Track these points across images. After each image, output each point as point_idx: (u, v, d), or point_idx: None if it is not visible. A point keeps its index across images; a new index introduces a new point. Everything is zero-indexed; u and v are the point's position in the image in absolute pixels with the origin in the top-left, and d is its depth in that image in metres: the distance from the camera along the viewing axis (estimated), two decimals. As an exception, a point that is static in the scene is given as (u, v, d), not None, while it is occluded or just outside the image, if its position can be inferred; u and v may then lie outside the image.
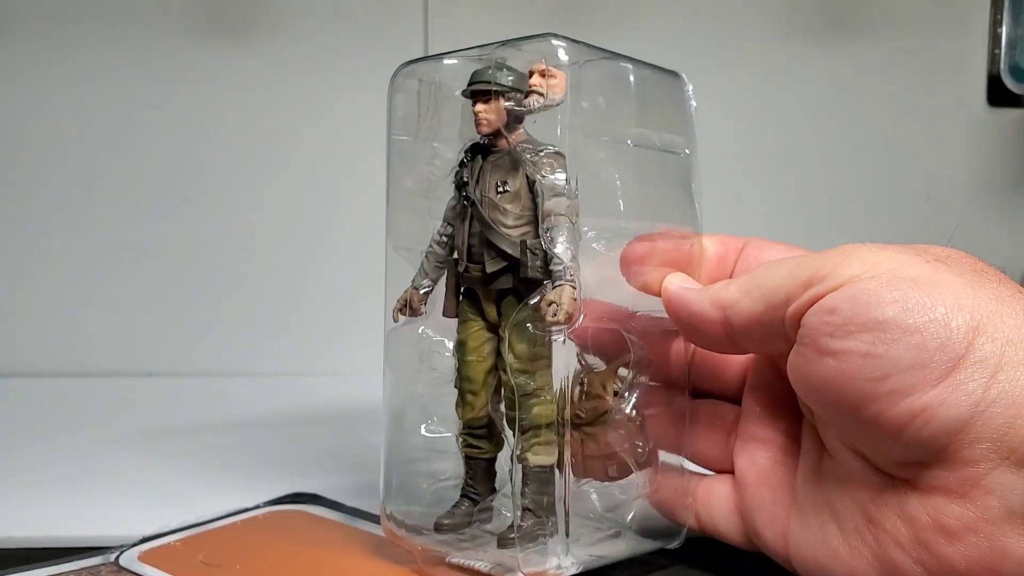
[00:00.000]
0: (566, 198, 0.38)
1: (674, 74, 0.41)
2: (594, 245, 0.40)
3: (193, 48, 0.85)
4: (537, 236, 0.38)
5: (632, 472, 0.40)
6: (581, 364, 0.41)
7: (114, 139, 0.86)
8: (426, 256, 0.42)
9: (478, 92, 0.39)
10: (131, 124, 0.86)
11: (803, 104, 0.80)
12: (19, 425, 0.69)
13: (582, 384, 0.40)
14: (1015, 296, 0.32)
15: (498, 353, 0.40)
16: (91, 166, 0.86)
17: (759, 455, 0.40)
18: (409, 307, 0.42)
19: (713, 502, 0.41)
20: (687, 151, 0.41)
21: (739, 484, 0.40)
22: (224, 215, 0.86)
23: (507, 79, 0.38)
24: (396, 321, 0.42)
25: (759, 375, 0.41)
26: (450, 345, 0.41)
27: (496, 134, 0.39)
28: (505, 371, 0.39)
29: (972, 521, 0.31)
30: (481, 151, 0.40)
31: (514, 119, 0.39)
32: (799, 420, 0.39)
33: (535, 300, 0.37)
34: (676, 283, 0.40)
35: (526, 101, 0.38)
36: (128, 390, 0.81)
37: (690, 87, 0.41)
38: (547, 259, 0.38)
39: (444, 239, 0.41)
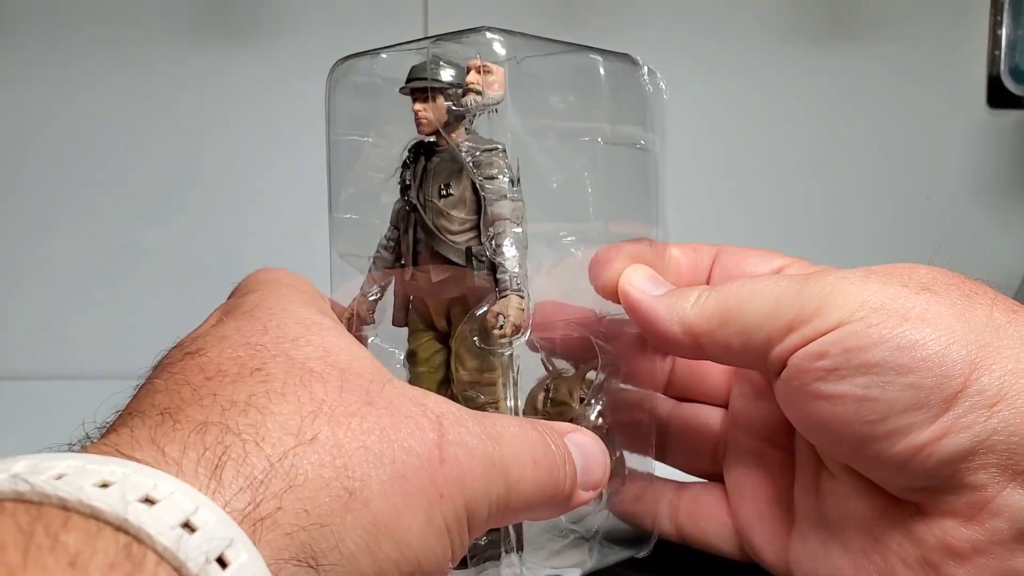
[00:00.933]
0: (510, 201, 0.36)
1: (628, 58, 0.39)
2: (572, 250, 0.38)
3: (191, 51, 0.84)
4: (481, 241, 0.36)
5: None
6: (549, 369, 0.39)
7: (112, 141, 0.85)
8: (374, 262, 0.40)
9: (416, 90, 0.36)
10: (129, 127, 0.85)
11: (803, 106, 0.79)
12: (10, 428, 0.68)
13: (547, 390, 0.39)
14: (1012, 321, 0.31)
15: (449, 365, 0.38)
16: (89, 169, 0.85)
17: (752, 468, 0.38)
18: (357, 316, 0.40)
19: (701, 512, 0.40)
20: (643, 141, 0.39)
21: (733, 497, 0.39)
22: (222, 219, 0.85)
23: (446, 75, 0.36)
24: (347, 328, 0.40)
25: (746, 384, 0.39)
26: (401, 356, 0.39)
27: (439, 132, 0.37)
28: (455, 382, 0.37)
29: (981, 543, 0.30)
30: (424, 151, 0.38)
31: (455, 117, 0.37)
32: (792, 432, 0.37)
33: (481, 311, 0.35)
34: (637, 285, 0.37)
35: (463, 100, 0.35)
36: (124, 395, 0.80)
37: (645, 70, 0.38)
38: (494, 266, 0.36)
39: (391, 243, 0.39)
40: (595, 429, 0.38)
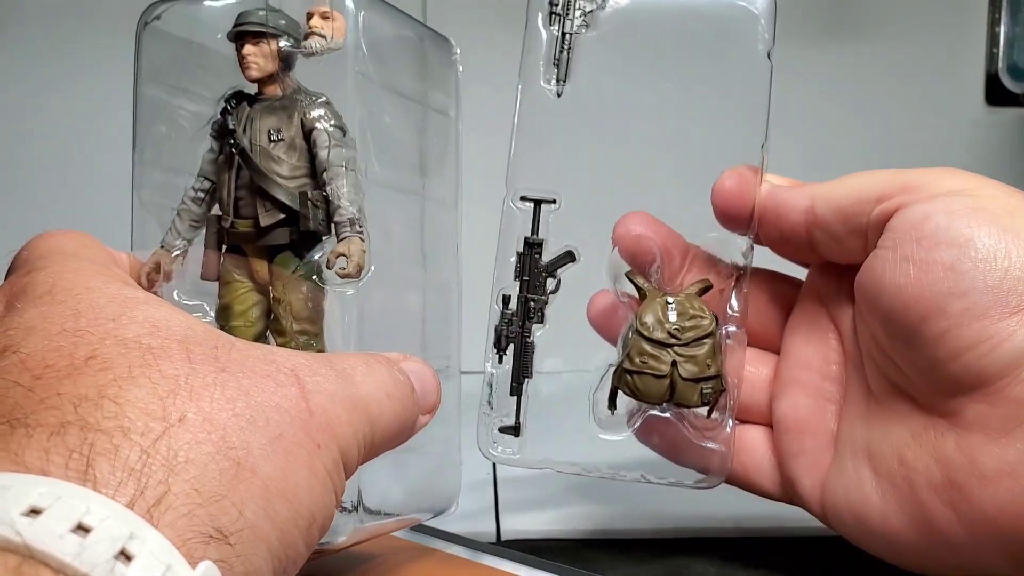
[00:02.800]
0: (342, 148, 0.36)
1: (444, 38, 0.41)
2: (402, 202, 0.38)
3: None
4: (316, 188, 0.36)
5: (723, 393, 0.37)
6: (639, 285, 0.38)
7: None
8: (178, 214, 0.38)
9: (247, 33, 0.36)
10: None
11: (800, 103, 0.76)
12: None
13: (666, 305, 0.37)
14: None
15: (269, 316, 0.37)
16: None
17: (800, 400, 0.38)
18: (157, 271, 0.38)
19: (745, 449, 0.39)
20: (452, 113, 0.41)
21: (779, 431, 0.38)
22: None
23: (279, 21, 0.36)
24: (144, 287, 0.37)
25: (805, 312, 0.39)
26: (210, 310, 0.38)
27: (266, 80, 0.37)
28: (281, 334, 0.36)
29: (1009, 464, 0.30)
30: (246, 98, 0.37)
31: (285, 64, 0.37)
32: (843, 363, 0.38)
33: (319, 255, 0.35)
34: (775, 182, 0.38)
35: (306, 43, 0.36)
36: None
37: (458, 51, 0.41)
38: (329, 211, 0.36)
39: (201, 194, 0.38)
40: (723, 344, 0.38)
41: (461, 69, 0.41)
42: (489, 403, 0.38)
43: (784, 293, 0.41)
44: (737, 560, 0.40)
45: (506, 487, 0.47)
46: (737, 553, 0.41)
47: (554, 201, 0.38)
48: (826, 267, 0.38)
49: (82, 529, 0.20)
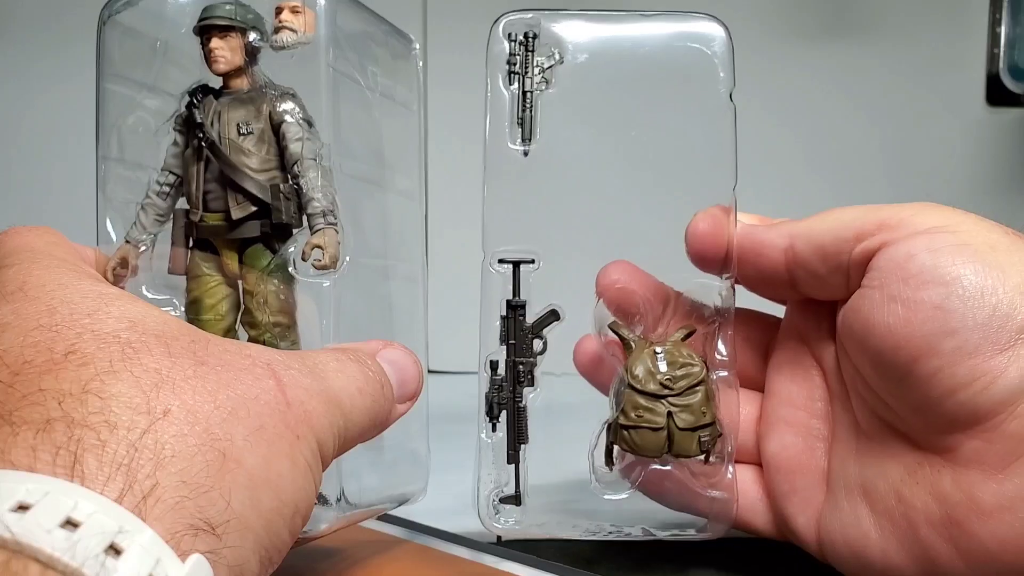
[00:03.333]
0: (309, 141, 0.37)
1: (405, 35, 0.42)
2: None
3: None
4: (287, 180, 0.36)
5: (720, 437, 0.37)
6: (624, 336, 0.37)
7: None
8: (143, 208, 0.37)
9: (214, 27, 0.36)
10: None
11: (800, 104, 0.77)
12: None
13: (655, 355, 0.37)
14: None
15: (239, 309, 0.37)
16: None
17: (788, 439, 0.38)
18: (122, 266, 0.37)
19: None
20: (415, 107, 0.42)
21: (769, 471, 0.38)
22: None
23: (246, 15, 0.36)
24: (110, 281, 0.36)
25: (786, 350, 0.39)
26: (179, 304, 0.37)
27: (232, 73, 0.37)
28: (254, 326, 0.36)
29: (1008, 498, 0.30)
30: (211, 92, 0.37)
31: (251, 58, 0.37)
32: (829, 399, 0.38)
33: (291, 249, 0.36)
34: (747, 221, 0.38)
35: (276, 37, 0.36)
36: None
37: (417, 47, 0.42)
38: (300, 203, 0.36)
39: (166, 189, 0.37)
40: (715, 390, 0.37)
41: (420, 64, 0.42)
42: (482, 472, 0.38)
43: (764, 331, 0.40)
44: (737, 562, 0.40)
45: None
46: (737, 555, 0.41)
47: (533, 261, 0.38)
48: (804, 304, 0.38)
49: (71, 524, 0.20)
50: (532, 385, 0.38)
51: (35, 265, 0.29)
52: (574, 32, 0.38)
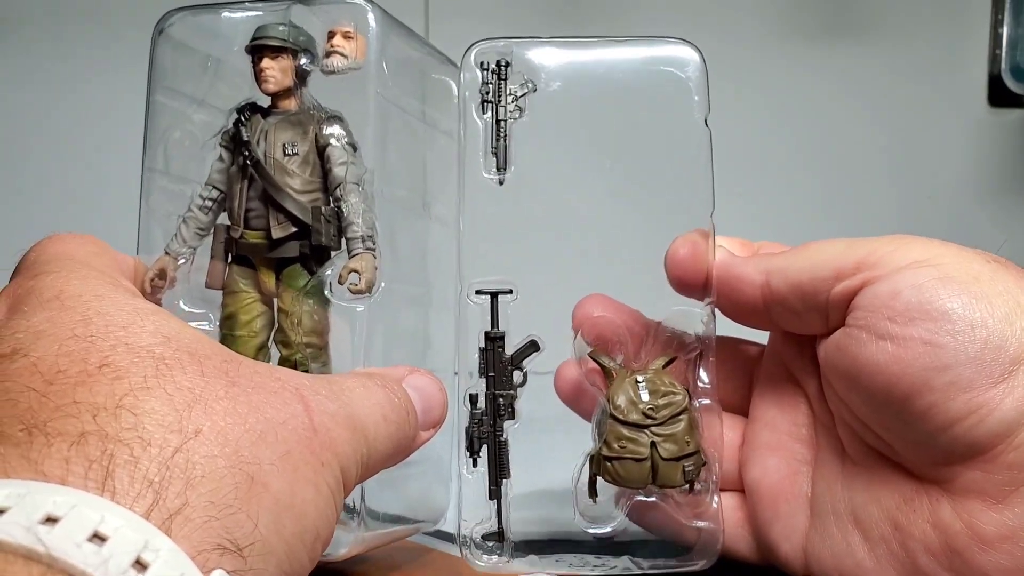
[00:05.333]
0: (353, 165, 0.37)
1: (451, 61, 0.42)
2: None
3: None
4: (328, 203, 0.37)
5: (704, 467, 0.36)
6: (604, 365, 0.37)
7: None
8: (184, 221, 0.38)
9: (266, 47, 0.36)
10: None
11: (803, 104, 0.77)
12: None
13: (637, 384, 0.36)
14: None
15: (272, 327, 0.38)
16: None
17: (771, 464, 0.37)
18: (161, 277, 0.38)
19: None
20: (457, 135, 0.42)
21: (751, 497, 0.38)
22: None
23: (299, 37, 0.37)
24: (147, 292, 0.37)
25: (770, 376, 0.39)
26: (214, 318, 0.38)
27: (281, 94, 0.37)
28: (287, 345, 0.37)
29: (1009, 528, 0.29)
30: (259, 111, 0.37)
31: (301, 80, 0.37)
32: (813, 424, 0.37)
33: (328, 272, 0.36)
34: (727, 248, 0.38)
35: (328, 61, 0.36)
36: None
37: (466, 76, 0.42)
38: (340, 227, 0.36)
39: (209, 203, 0.38)
40: (699, 418, 0.37)
41: (468, 94, 0.42)
42: (464, 509, 0.37)
43: (748, 358, 0.40)
44: (737, 561, 0.39)
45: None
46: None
47: (510, 291, 0.37)
48: (786, 333, 0.38)
49: (98, 538, 0.20)
50: (512, 418, 0.37)
51: (73, 274, 0.29)
52: (547, 59, 0.37)
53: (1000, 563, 0.30)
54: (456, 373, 0.37)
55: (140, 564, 0.21)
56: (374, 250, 0.36)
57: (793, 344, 0.37)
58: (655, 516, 0.37)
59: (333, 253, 0.37)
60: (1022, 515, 0.29)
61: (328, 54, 0.36)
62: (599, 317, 0.37)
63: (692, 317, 0.37)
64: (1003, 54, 0.74)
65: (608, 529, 0.37)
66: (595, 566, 0.37)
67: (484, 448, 0.37)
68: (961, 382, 0.30)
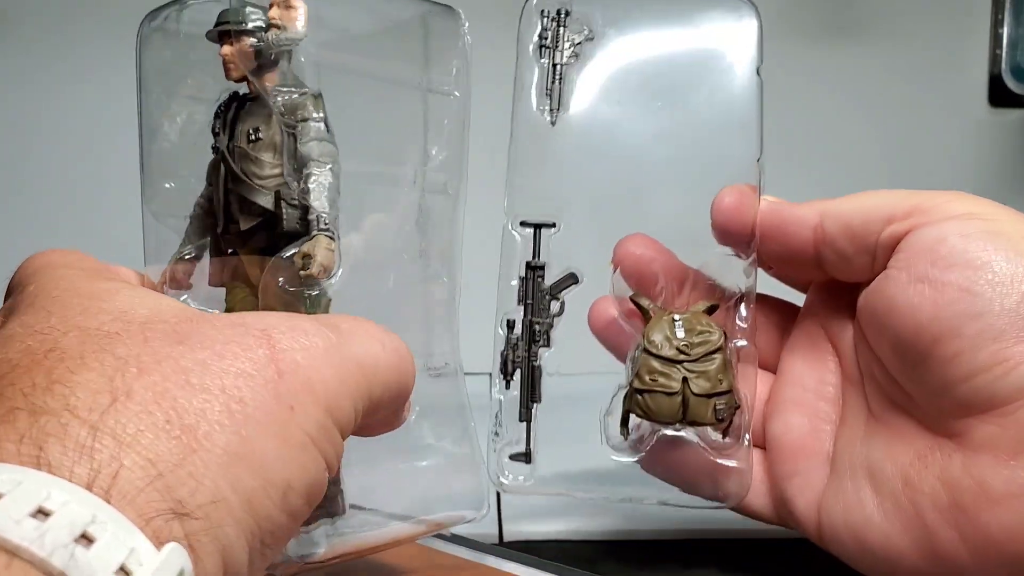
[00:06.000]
0: (319, 142, 0.34)
1: (450, 10, 0.38)
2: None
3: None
4: (296, 183, 0.35)
5: (737, 410, 0.37)
6: (643, 306, 0.38)
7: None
8: (190, 221, 0.38)
9: (223, 34, 0.35)
10: None
11: (802, 104, 0.77)
12: None
13: (673, 323, 0.37)
14: None
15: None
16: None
17: (794, 420, 0.38)
18: (172, 279, 0.38)
19: None
20: (458, 93, 0.38)
21: (772, 452, 0.38)
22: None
23: (253, 18, 0.35)
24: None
25: (803, 334, 0.39)
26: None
27: (248, 78, 0.36)
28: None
29: (1018, 485, 0.30)
30: (237, 100, 0.37)
31: (266, 61, 0.35)
32: (840, 384, 0.38)
33: (288, 255, 0.34)
34: (775, 201, 0.38)
35: (266, 36, 0.34)
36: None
37: (466, 24, 0.38)
38: (306, 209, 0.34)
39: (207, 201, 0.38)
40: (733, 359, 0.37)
41: (470, 40, 0.38)
42: (496, 431, 0.38)
43: (783, 315, 0.41)
44: (738, 562, 0.40)
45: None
46: (738, 555, 0.41)
47: (554, 225, 0.38)
48: (825, 288, 0.38)
49: (42, 513, 0.20)
50: (548, 345, 0.38)
51: (50, 278, 0.30)
52: (604, 7, 0.39)
53: (1004, 521, 0.30)
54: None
55: (87, 538, 0.20)
56: (328, 231, 0.33)
57: (832, 299, 0.38)
58: (683, 453, 0.37)
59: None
60: None
61: (267, 28, 0.34)
62: (640, 255, 0.38)
63: (733, 265, 0.38)
64: (1003, 54, 0.74)
65: (634, 459, 0.37)
66: (620, 498, 0.38)
67: (517, 373, 0.38)
68: (991, 332, 0.30)
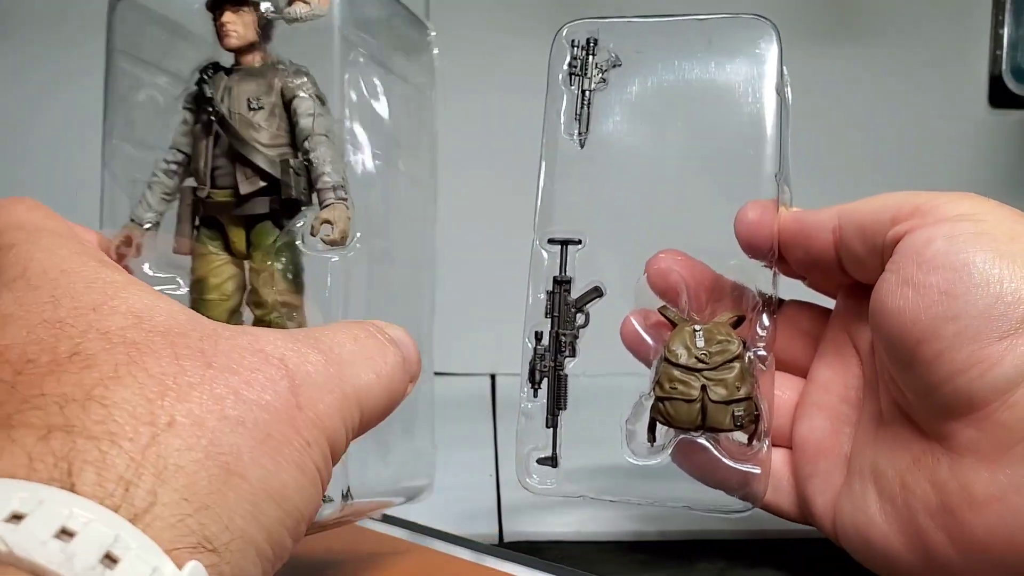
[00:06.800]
0: (321, 117, 0.36)
1: (420, 20, 0.41)
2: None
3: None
4: (296, 156, 0.35)
5: (758, 417, 0.37)
6: (672, 318, 0.38)
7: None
8: (150, 187, 0.37)
9: (226, 1, 0.36)
10: None
11: (802, 105, 0.73)
12: None
13: (692, 332, 0.38)
14: None
15: (244, 289, 0.36)
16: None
17: (817, 423, 0.38)
18: (126, 245, 0.36)
19: None
20: (429, 92, 0.41)
21: (797, 453, 0.39)
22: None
23: (260, -10, 0.36)
24: (116, 261, 0.35)
25: (831, 339, 0.40)
26: (183, 283, 0.36)
27: (244, 49, 0.36)
28: (260, 306, 0.35)
29: (999, 490, 0.30)
30: (222, 69, 0.36)
31: (267, 34, 0.36)
32: (862, 387, 0.38)
33: (299, 224, 0.35)
34: (794, 210, 0.39)
35: (290, 9, 0.35)
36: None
37: (433, 34, 0.41)
38: (311, 179, 0.35)
39: (174, 166, 0.37)
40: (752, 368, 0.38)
41: (436, 51, 0.41)
42: (523, 434, 0.39)
43: (815, 321, 0.41)
44: (741, 563, 0.40)
45: (509, 488, 0.46)
46: (741, 556, 0.41)
47: (580, 242, 0.39)
48: (851, 291, 0.39)
49: (66, 534, 0.19)
50: (573, 355, 0.39)
51: (36, 246, 0.28)
52: (629, 35, 0.40)
53: (989, 523, 0.30)
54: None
55: (110, 558, 0.19)
56: (346, 200, 0.35)
57: (855, 302, 0.38)
58: (702, 457, 0.37)
59: (304, 208, 0.35)
60: (1013, 476, 0.30)
61: (290, 1, 0.35)
62: (662, 269, 0.39)
63: (755, 272, 0.39)
64: (1004, 55, 0.72)
65: (654, 462, 0.38)
66: (641, 502, 0.38)
67: (544, 381, 0.39)
68: (967, 333, 0.31)
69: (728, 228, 0.38)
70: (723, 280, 0.39)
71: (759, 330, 0.38)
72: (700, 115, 0.40)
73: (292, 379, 0.26)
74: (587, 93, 0.40)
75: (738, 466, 0.37)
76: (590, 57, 0.40)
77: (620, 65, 0.40)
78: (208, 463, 0.22)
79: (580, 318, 0.39)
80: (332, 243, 0.34)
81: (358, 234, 0.35)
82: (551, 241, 0.39)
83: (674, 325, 0.38)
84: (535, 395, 0.39)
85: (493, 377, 0.60)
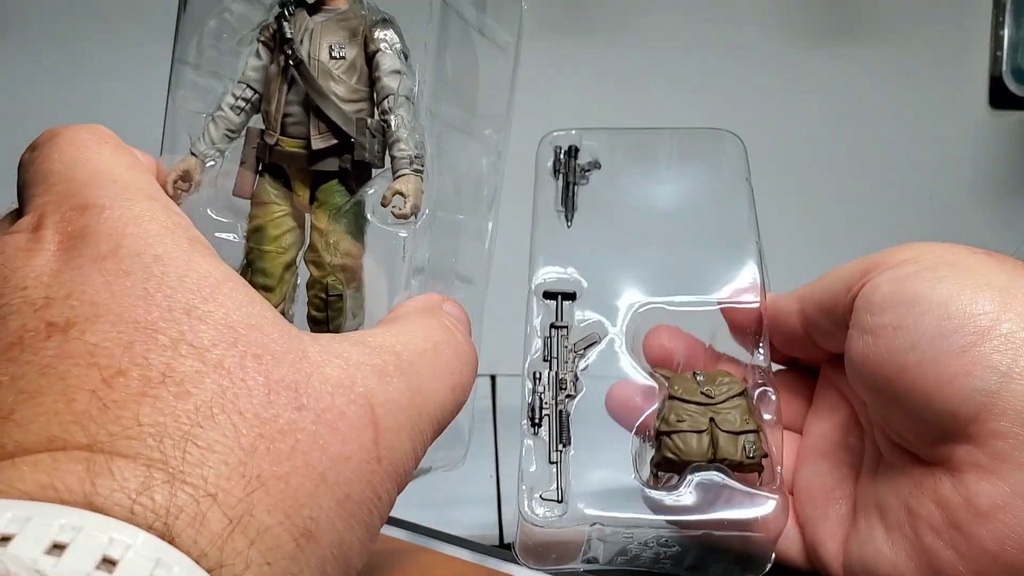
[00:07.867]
0: (402, 76, 0.34)
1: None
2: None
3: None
4: (373, 115, 0.34)
5: (765, 452, 0.37)
6: (667, 375, 0.39)
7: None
8: (213, 121, 0.35)
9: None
10: None
11: (802, 107, 0.76)
12: None
13: (694, 376, 0.39)
14: None
15: (301, 244, 0.35)
16: None
17: (822, 468, 0.39)
18: (184, 179, 0.34)
19: None
20: (512, 52, 0.39)
21: (801, 500, 0.39)
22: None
23: (355, -74, 0.33)
24: (170, 195, 0.34)
25: (822, 396, 0.41)
26: (241, 229, 0.35)
27: (329, -10, 0.34)
28: (319, 266, 0.34)
29: (1002, 498, 0.30)
30: (305, 6, 0.34)
31: (355, -27, 0.34)
32: (860, 435, 0.39)
33: (372, 191, 0.33)
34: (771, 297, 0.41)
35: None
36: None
37: None
38: (386, 143, 0.33)
39: (242, 103, 0.35)
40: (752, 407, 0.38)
41: (526, 7, 0.39)
42: (525, 472, 0.38)
43: (806, 384, 0.43)
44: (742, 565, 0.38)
45: (509, 489, 0.47)
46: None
47: (574, 296, 0.41)
48: (832, 355, 0.40)
49: (108, 563, 0.19)
50: (574, 395, 0.39)
51: (129, 215, 0.26)
52: (609, 141, 0.45)
53: (996, 533, 0.30)
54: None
55: None
56: (421, 172, 0.33)
57: (838, 364, 0.39)
58: (718, 490, 0.37)
59: (375, 172, 0.34)
60: (1014, 483, 0.30)
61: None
62: (660, 345, 0.41)
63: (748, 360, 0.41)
64: (1004, 56, 0.73)
65: (667, 494, 0.37)
66: (649, 534, 0.37)
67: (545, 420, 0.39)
68: (928, 356, 0.32)
69: (708, 298, 0.41)
70: (716, 353, 0.41)
71: (768, 406, 0.39)
72: (680, 202, 0.44)
73: (376, 426, 0.25)
74: (571, 186, 0.44)
75: (755, 492, 0.36)
76: (571, 159, 0.44)
77: (599, 167, 0.44)
78: (290, 525, 0.22)
79: (579, 362, 0.40)
80: (402, 216, 0.33)
81: (426, 210, 0.33)
82: (547, 295, 0.41)
83: (669, 382, 0.39)
84: (535, 434, 0.38)
85: (493, 378, 0.61)
